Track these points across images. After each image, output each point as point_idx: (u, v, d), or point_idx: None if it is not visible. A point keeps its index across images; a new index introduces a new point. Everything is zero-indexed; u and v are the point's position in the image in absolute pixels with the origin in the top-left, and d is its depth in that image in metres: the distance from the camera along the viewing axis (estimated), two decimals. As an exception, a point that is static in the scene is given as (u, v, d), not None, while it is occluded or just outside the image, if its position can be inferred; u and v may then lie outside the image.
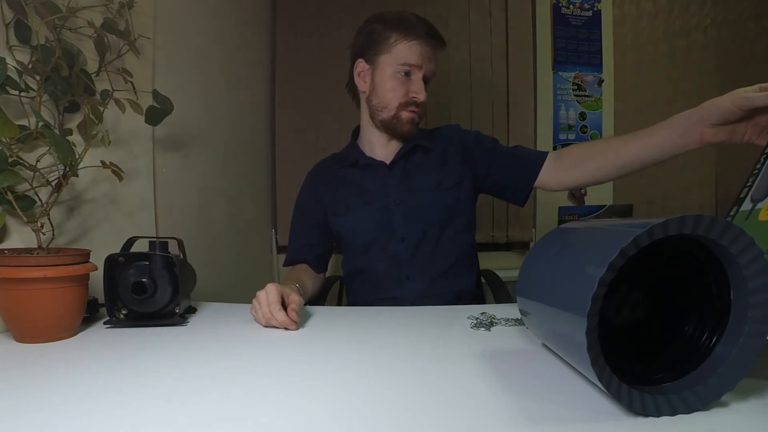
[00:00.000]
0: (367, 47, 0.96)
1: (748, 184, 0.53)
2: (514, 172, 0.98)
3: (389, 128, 0.98)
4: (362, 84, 0.99)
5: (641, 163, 0.79)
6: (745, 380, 0.36)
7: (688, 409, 0.35)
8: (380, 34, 0.94)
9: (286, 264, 1.08)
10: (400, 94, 0.94)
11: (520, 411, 0.38)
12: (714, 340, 0.38)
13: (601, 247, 0.36)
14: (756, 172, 0.53)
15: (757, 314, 0.35)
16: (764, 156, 0.53)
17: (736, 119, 0.64)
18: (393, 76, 0.93)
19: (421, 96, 0.94)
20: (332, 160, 1.10)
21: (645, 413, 0.35)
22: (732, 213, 0.53)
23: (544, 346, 0.55)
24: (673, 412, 0.35)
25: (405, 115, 0.95)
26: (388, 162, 1.00)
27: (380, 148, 1.01)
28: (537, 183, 0.96)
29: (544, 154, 0.96)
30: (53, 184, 0.67)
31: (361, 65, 0.98)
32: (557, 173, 0.94)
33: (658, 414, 0.35)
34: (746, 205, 0.52)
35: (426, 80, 0.95)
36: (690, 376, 0.38)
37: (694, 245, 0.38)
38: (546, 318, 0.45)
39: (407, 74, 0.93)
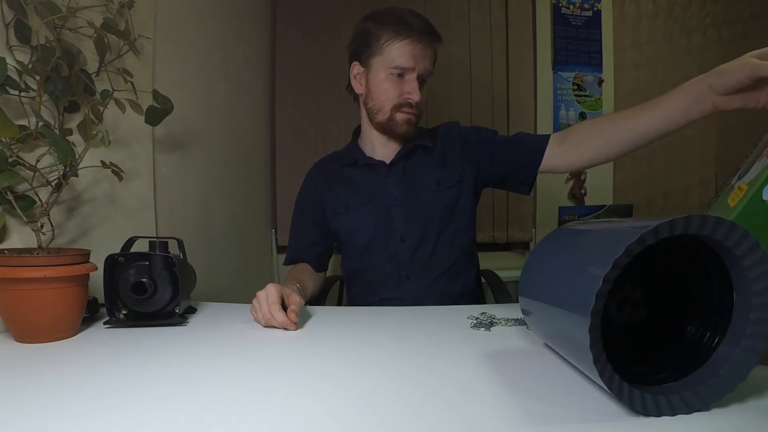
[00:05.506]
0: (361, 49, 0.95)
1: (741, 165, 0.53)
2: (517, 160, 0.97)
3: (386, 130, 0.97)
4: (358, 87, 0.99)
5: (652, 135, 0.76)
6: (745, 380, 0.36)
7: (689, 410, 0.35)
8: (372, 35, 0.92)
9: (287, 263, 1.08)
10: (394, 96, 0.93)
11: (520, 411, 0.38)
12: (716, 340, 0.38)
13: (606, 246, 0.36)
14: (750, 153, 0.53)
15: (759, 316, 0.35)
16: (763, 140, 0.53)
17: (746, 87, 0.61)
18: (386, 78, 0.92)
19: (415, 96, 0.92)
20: (332, 158, 1.10)
21: (645, 413, 0.35)
22: (719, 194, 0.53)
23: (545, 346, 0.55)
24: (674, 413, 0.35)
25: (400, 116, 0.94)
26: (388, 162, 1.00)
27: (380, 148, 1.01)
28: (543, 167, 0.94)
29: (546, 138, 0.94)
30: (53, 184, 0.67)
31: (356, 68, 0.98)
32: (564, 154, 0.91)
33: (659, 414, 0.35)
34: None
35: (421, 79, 0.93)
36: (691, 377, 0.38)
37: (699, 245, 0.38)
38: (548, 317, 0.44)
39: (400, 75, 0.92)
